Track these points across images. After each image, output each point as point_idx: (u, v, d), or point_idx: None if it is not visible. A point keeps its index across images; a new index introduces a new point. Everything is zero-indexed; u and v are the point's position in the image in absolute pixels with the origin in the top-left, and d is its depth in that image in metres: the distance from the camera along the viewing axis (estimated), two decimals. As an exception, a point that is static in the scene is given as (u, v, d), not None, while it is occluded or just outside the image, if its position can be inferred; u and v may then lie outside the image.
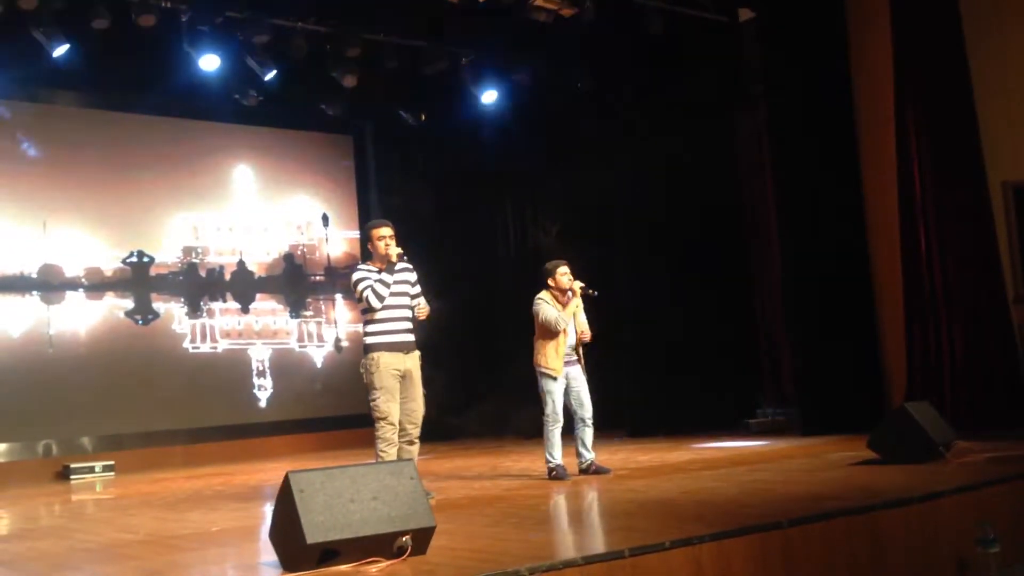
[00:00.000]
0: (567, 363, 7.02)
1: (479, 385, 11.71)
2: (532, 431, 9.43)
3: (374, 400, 6.11)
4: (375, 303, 6.09)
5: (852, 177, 9.37)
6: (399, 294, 6.22)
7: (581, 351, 7.14)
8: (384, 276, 6.12)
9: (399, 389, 6.13)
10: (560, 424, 6.99)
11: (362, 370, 6.19)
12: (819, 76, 9.31)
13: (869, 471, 6.16)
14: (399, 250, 6.18)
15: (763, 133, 10.01)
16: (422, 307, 6.30)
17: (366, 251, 6.80)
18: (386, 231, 6.21)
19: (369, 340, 6.17)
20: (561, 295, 7.04)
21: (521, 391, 9.44)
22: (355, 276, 6.20)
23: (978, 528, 4.57)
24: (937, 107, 8.53)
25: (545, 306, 6.98)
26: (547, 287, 7.07)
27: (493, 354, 11.75)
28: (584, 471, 7.02)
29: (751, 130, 10.63)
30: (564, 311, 6.96)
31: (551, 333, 6.95)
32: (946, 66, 8.49)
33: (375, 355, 6.11)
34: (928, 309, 8.49)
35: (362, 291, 6.11)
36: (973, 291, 8.36)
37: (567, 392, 7.04)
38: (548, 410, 6.99)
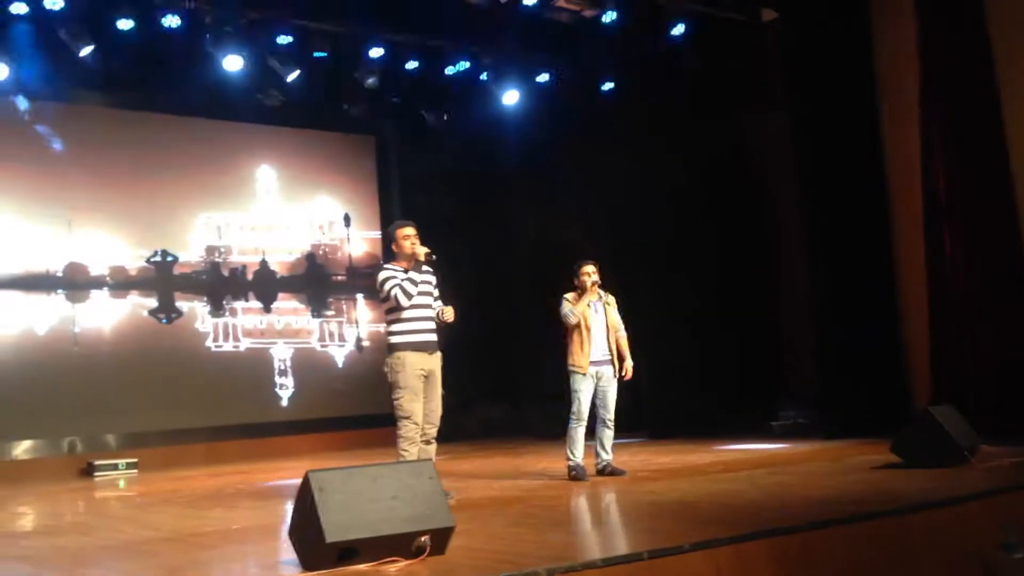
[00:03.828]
0: (599, 363, 7.04)
1: (496, 384, 11.68)
2: (548, 432, 9.41)
3: (398, 399, 6.15)
4: (403, 300, 6.14)
5: (876, 178, 9.30)
6: (424, 294, 6.29)
7: (617, 352, 7.13)
8: (412, 274, 6.20)
9: (422, 389, 6.17)
10: (584, 424, 7.02)
11: (386, 369, 6.23)
12: (842, 76, 9.24)
13: (892, 475, 6.11)
14: (426, 249, 6.24)
15: (786, 134, 9.94)
16: (448, 311, 6.33)
17: (388, 252, 6.84)
18: (411, 231, 6.32)
19: (394, 340, 6.22)
20: (583, 293, 7.10)
21: (540, 392, 9.44)
22: (381, 275, 6.26)
23: (1003, 533, 4.52)
24: (963, 107, 8.44)
25: (563, 302, 7.09)
26: (574, 287, 7.16)
27: (511, 355, 11.72)
28: (600, 472, 7.04)
29: (774, 131, 10.54)
30: (577, 306, 7.02)
31: (575, 329, 7.02)
32: (972, 64, 8.40)
33: (401, 354, 6.16)
34: (953, 312, 8.41)
35: (389, 289, 6.16)
36: (998, 293, 8.27)
37: (594, 391, 7.04)
38: (574, 408, 7.02)
